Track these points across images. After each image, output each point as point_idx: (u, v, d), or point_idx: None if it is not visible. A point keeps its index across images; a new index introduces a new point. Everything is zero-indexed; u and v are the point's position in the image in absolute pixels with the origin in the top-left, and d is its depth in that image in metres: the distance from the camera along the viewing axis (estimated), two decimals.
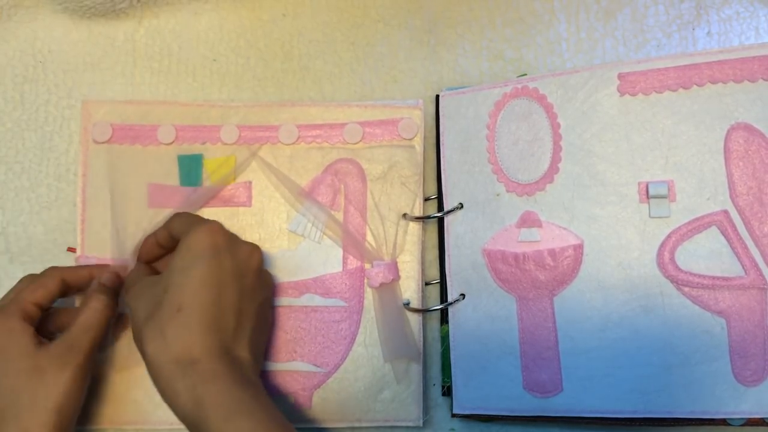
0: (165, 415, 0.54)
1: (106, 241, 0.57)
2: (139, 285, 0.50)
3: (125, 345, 0.56)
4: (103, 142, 0.58)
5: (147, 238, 0.54)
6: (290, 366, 0.55)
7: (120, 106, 0.59)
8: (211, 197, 0.57)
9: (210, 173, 0.58)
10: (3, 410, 0.46)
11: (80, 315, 0.50)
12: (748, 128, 0.50)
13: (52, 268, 0.53)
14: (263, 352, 0.53)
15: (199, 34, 0.63)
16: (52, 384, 0.47)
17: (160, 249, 0.54)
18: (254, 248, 0.51)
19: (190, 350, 0.44)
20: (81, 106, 0.59)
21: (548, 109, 0.54)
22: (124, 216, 0.57)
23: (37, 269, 0.58)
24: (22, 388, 0.47)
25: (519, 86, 0.55)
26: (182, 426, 0.54)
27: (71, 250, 0.58)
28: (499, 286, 0.54)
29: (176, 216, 0.53)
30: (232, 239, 0.50)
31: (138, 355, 0.47)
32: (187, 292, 0.46)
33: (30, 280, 0.52)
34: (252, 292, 0.49)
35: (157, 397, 0.54)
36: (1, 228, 0.60)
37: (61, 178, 0.60)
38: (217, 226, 0.49)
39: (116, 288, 0.53)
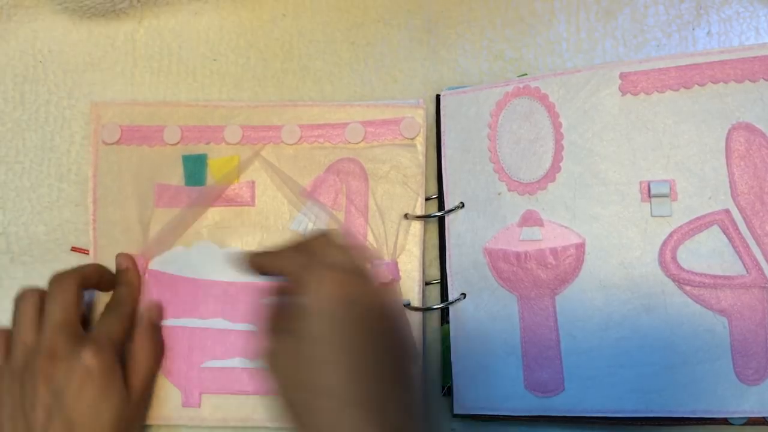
0: (161, 411, 0.55)
1: (117, 241, 0.58)
2: (279, 357, 0.41)
3: None
4: (112, 144, 0.59)
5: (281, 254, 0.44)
6: None
7: (128, 108, 0.59)
8: (216, 197, 0.58)
9: (214, 173, 0.58)
10: None
11: (140, 357, 0.52)
12: (749, 128, 0.50)
13: (122, 297, 0.55)
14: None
15: (199, 34, 0.63)
16: (139, 418, 0.53)
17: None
18: (386, 291, 0.44)
19: None
20: (90, 107, 0.60)
21: (550, 109, 0.54)
22: (133, 216, 0.58)
23: (38, 269, 0.58)
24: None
25: (520, 86, 0.55)
26: (177, 423, 0.55)
27: (76, 250, 0.58)
28: (500, 285, 0.54)
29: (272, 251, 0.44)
30: (364, 286, 0.41)
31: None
32: (323, 368, 0.39)
33: (109, 311, 0.53)
34: (401, 345, 0.42)
35: (154, 393, 0.55)
36: (2, 228, 0.60)
37: (62, 178, 0.60)
38: (340, 276, 0.40)
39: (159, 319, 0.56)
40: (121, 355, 0.51)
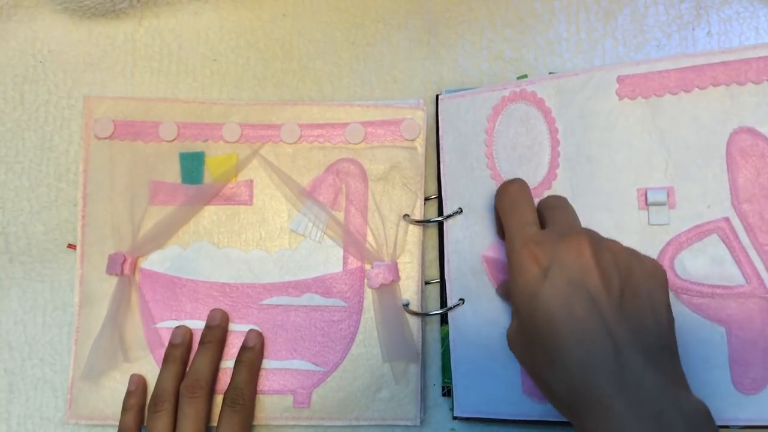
0: None
1: (106, 237, 0.57)
2: (517, 335, 0.46)
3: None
4: (104, 138, 0.58)
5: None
6: (290, 364, 0.56)
7: (122, 102, 0.59)
8: (213, 195, 0.57)
9: (211, 171, 0.58)
10: None
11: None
12: (751, 132, 0.49)
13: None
14: (667, 341, 0.42)
15: (199, 34, 0.62)
16: None
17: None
18: (578, 241, 0.43)
19: (576, 395, 0.40)
20: (83, 101, 0.59)
21: (546, 114, 0.53)
22: (125, 212, 0.57)
23: (37, 269, 0.59)
24: None
25: (517, 90, 0.54)
26: None
27: (71, 246, 0.58)
28: (498, 293, 0.53)
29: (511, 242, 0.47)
30: (551, 248, 0.44)
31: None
32: (545, 341, 0.42)
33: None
34: (606, 288, 0.42)
35: None
36: (1, 228, 0.60)
37: (61, 178, 0.60)
38: (531, 246, 0.44)
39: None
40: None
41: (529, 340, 0.43)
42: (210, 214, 0.58)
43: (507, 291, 0.51)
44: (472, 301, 0.54)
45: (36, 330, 0.58)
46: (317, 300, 0.56)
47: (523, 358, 0.45)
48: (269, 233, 0.57)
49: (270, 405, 0.55)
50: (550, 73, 0.58)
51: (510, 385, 0.52)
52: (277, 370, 0.56)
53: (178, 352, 0.55)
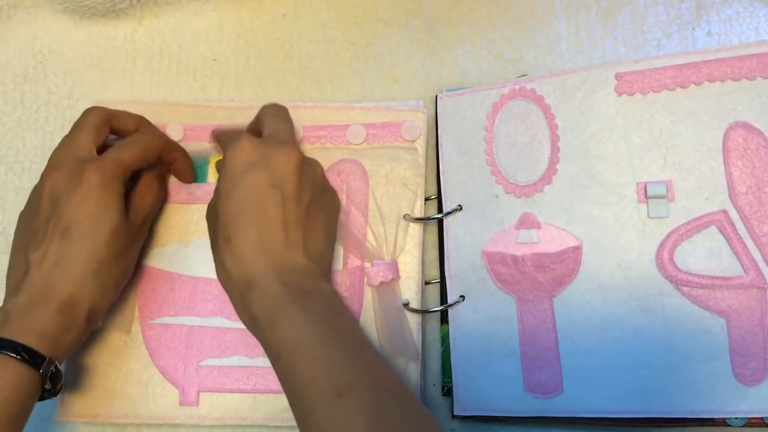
0: (158, 409, 0.55)
1: None
2: (208, 207, 0.52)
3: (129, 307, 0.57)
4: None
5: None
6: None
7: (130, 107, 0.59)
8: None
9: (216, 172, 0.58)
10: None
11: (145, 193, 0.55)
12: (746, 127, 0.50)
13: (140, 136, 0.55)
14: (327, 250, 0.52)
15: (199, 34, 0.63)
16: (132, 250, 0.53)
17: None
18: (289, 152, 0.49)
19: (244, 275, 0.46)
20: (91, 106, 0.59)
21: (546, 110, 0.54)
22: None
23: None
24: (106, 249, 0.50)
25: (516, 87, 0.55)
26: (174, 422, 0.55)
27: None
28: (498, 288, 0.54)
29: (221, 135, 0.54)
30: (266, 151, 0.49)
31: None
32: (231, 221, 0.48)
33: (123, 142, 0.53)
34: (296, 196, 0.49)
35: (150, 392, 0.55)
36: (1, 228, 0.60)
37: None
38: (248, 143, 0.49)
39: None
40: (125, 184, 0.52)
41: (219, 215, 0.48)
42: None
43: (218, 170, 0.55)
44: (473, 298, 0.54)
45: None
46: None
47: (211, 231, 0.50)
48: None
49: (267, 404, 0.55)
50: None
51: (511, 381, 0.52)
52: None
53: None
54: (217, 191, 0.50)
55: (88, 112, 0.54)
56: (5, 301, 0.48)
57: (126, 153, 0.52)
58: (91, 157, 0.51)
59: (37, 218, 0.50)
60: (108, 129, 0.54)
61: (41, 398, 0.47)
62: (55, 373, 0.47)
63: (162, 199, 0.57)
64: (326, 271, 0.52)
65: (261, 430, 0.56)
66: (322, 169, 0.54)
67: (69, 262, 0.48)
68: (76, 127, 0.53)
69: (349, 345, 0.45)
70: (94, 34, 0.63)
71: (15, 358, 0.44)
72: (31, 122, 0.61)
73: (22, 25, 0.63)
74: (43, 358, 0.45)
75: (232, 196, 0.48)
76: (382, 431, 0.40)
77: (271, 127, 0.52)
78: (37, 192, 0.51)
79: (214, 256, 0.50)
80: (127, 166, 0.51)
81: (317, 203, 0.51)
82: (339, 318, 0.47)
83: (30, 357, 0.45)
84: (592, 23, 0.60)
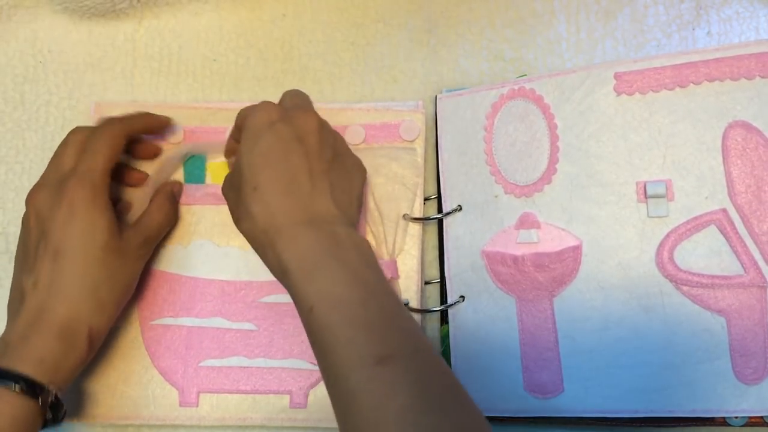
0: (158, 410, 0.55)
1: None
2: (225, 179, 0.52)
3: (129, 308, 0.56)
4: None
5: (228, 139, 0.56)
6: (287, 363, 0.56)
7: (131, 108, 0.59)
8: (215, 195, 0.58)
9: (213, 176, 0.59)
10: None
11: (153, 213, 0.55)
12: (745, 126, 0.50)
13: (113, 122, 0.54)
14: (353, 204, 0.51)
15: (199, 34, 0.63)
16: (130, 267, 0.52)
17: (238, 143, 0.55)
18: (308, 114, 0.50)
19: (273, 220, 0.46)
20: (92, 107, 0.60)
21: (545, 110, 0.54)
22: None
23: None
24: (98, 267, 0.49)
25: (515, 87, 0.55)
26: (174, 423, 0.55)
27: None
28: (498, 288, 0.54)
29: (240, 111, 0.53)
30: (285, 112, 0.50)
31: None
32: (257, 170, 0.47)
33: (94, 139, 0.52)
34: (319, 151, 0.49)
35: (150, 393, 0.55)
36: (1, 228, 0.60)
37: None
38: (268, 105, 0.50)
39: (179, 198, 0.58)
40: (111, 193, 0.52)
41: (243, 169, 0.48)
42: (212, 213, 0.58)
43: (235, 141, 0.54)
44: (473, 298, 0.54)
45: None
46: None
47: (234, 194, 0.49)
48: None
49: (267, 405, 0.55)
50: None
51: (511, 381, 0.52)
52: (274, 369, 0.55)
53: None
54: (239, 152, 0.49)
55: (71, 132, 0.53)
56: (5, 330, 0.48)
57: (96, 157, 0.51)
58: (68, 171, 0.50)
59: (28, 243, 0.50)
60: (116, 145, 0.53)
61: (44, 427, 0.46)
62: (56, 403, 0.46)
63: (173, 221, 0.57)
64: (354, 223, 0.50)
65: (261, 431, 0.56)
66: (343, 138, 0.54)
67: (62, 284, 0.47)
68: (60, 146, 0.53)
69: (388, 309, 0.43)
70: (94, 34, 0.63)
71: (12, 390, 0.43)
72: (31, 122, 0.61)
73: (22, 25, 0.63)
74: (42, 388, 0.44)
75: (256, 149, 0.47)
76: (425, 402, 0.38)
77: (289, 102, 0.52)
78: (24, 216, 0.51)
79: (237, 213, 0.49)
80: (103, 169, 0.51)
81: (340, 162, 0.51)
82: (375, 274, 0.45)
83: (28, 386, 0.44)
84: (592, 23, 0.60)
